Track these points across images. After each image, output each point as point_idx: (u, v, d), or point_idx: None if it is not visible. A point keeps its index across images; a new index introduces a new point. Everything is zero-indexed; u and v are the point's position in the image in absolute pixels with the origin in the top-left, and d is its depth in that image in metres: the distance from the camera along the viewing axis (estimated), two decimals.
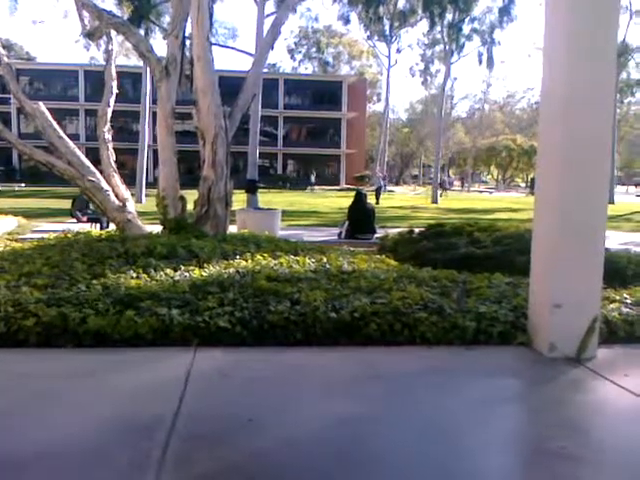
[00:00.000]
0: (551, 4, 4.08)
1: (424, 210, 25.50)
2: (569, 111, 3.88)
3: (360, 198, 13.57)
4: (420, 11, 32.98)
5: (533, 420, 3.16)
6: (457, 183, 67.34)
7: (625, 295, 4.87)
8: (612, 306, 4.52)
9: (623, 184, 71.58)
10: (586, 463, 2.58)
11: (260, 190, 21.29)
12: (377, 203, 26.65)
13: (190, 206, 8.01)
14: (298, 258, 5.97)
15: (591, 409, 3.29)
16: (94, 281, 4.69)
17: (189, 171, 28.17)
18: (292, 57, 63.33)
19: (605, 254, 4.04)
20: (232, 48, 32.65)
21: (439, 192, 34.44)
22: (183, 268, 5.28)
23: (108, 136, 8.63)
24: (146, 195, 25.58)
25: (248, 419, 2.85)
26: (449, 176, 65.33)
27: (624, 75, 38.04)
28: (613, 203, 28.78)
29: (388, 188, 48.34)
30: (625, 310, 4.49)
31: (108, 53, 9.49)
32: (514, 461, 2.74)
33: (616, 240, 11.23)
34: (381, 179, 36.00)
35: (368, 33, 46.29)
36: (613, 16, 3.96)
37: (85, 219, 13.01)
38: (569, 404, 3.29)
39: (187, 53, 8.29)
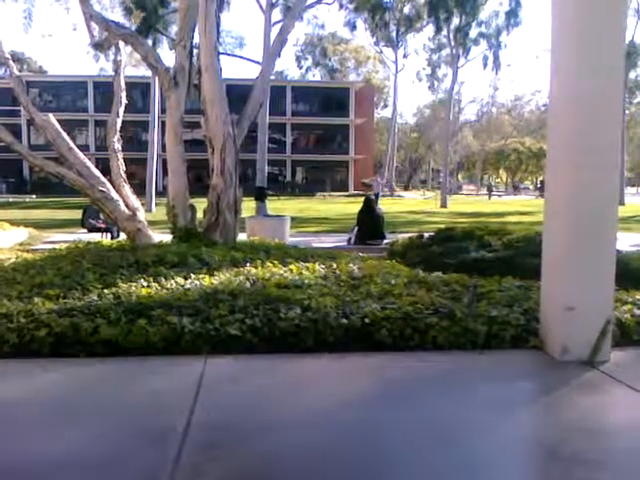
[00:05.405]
0: (558, 10, 4.08)
1: (433, 214, 25.44)
2: (578, 112, 3.86)
3: (369, 204, 13.58)
4: (426, 16, 32.98)
5: (548, 424, 3.13)
6: (467, 187, 67.14)
7: (638, 297, 4.82)
8: (625, 308, 4.48)
9: (633, 185, 71.18)
10: (602, 467, 2.55)
11: (269, 197, 21.34)
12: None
13: (200, 214, 8.04)
14: (308, 265, 5.97)
15: (605, 413, 3.25)
16: (105, 291, 4.71)
17: (198, 179, 28.32)
18: (299, 65, 63.62)
19: (617, 255, 4.01)
20: (239, 57, 33.10)
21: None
22: (194, 276, 5.30)
23: (118, 146, 8.69)
24: (156, 204, 25.72)
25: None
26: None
27: (632, 75, 37.85)
28: (623, 204, 28.59)
29: (396, 193, 48.16)
30: (638, 312, 4.44)
31: (117, 64, 9.56)
32: (530, 465, 2.72)
33: (627, 241, 11.13)
34: (380, 185, 33.19)
35: (375, 39, 46.49)
36: (620, 19, 3.95)
37: (97, 228, 13.13)
38: (583, 408, 3.26)
39: (195, 62, 8.34)
